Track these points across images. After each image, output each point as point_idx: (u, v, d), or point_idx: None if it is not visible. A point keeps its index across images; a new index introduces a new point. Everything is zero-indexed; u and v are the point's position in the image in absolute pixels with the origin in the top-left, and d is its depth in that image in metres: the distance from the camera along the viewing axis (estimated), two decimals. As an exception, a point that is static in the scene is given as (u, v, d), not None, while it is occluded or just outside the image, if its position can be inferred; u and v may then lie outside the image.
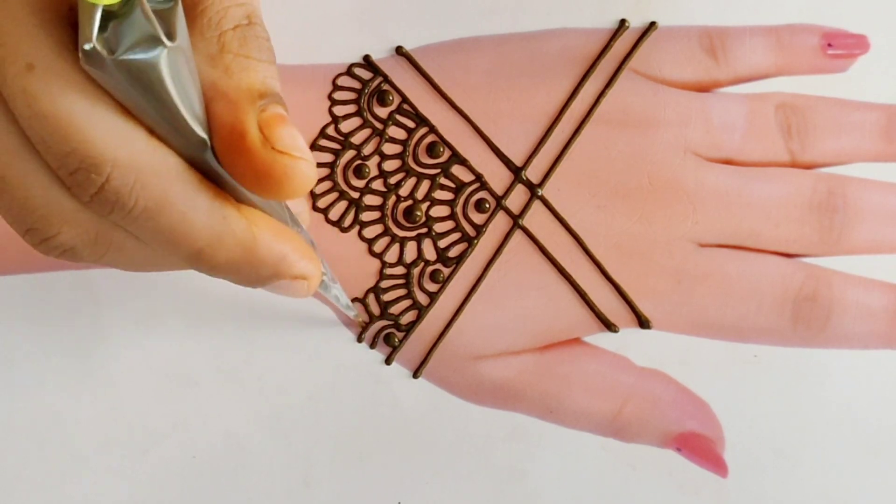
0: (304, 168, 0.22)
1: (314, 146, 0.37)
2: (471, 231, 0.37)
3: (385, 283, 0.37)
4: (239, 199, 0.24)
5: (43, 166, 0.22)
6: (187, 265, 0.24)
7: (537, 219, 0.37)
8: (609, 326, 0.37)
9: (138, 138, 0.22)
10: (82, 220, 0.23)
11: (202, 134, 0.22)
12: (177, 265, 0.25)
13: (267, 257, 0.24)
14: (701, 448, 0.37)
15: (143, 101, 0.21)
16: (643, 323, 0.37)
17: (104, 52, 0.19)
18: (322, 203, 0.37)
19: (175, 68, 0.20)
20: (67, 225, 0.23)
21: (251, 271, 0.25)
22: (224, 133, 0.22)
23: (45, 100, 0.21)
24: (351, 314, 0.35)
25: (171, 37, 0.20)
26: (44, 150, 0.21)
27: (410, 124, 0.38)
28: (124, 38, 0.19)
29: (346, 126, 0.38)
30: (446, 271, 0.37)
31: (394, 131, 0.38)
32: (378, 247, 0.37)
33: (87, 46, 0.19)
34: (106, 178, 0.21)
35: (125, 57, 0.19)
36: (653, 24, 0.38)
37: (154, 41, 0.20)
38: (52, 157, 0.21)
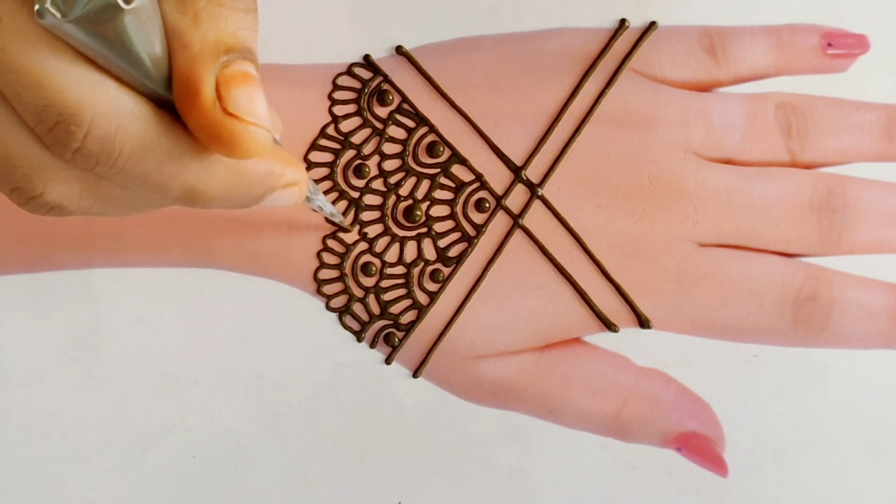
0: (255, 134, 0.21)
1: (314, 146, 0.37)
2: (471, 231, 0.37)
3: (385, 283, 0.37)
4: None
5: (22, 124, 0.22)
6: (181, 203, 0.24)
7: (537, 218, 0.37)
8: (609, 326, 0.37)
9: (110, 86, 0.21)
10: (66, 177, 0.22)
11: (163, 85, 0.22)
12: (165, 203, 0.24)
13: (257, 175, 0.24)
14: (701, 448, 0.37)
15: (105, 54, 0.21)
16: (643, 323, 0.37)
17: (56, 14, 0.19)
18: (322, 202, 0.37)
19: (133, 25, 0.20)
20: (52, 182, 0.22)
21: (245, 193, 0.24)
22: (180, 86, 0.22)
23: (14, 52, 0.20)
24: (337, 220, 0.35)
25: None
26: (21, 108, 0.21)
27: (410, 124, 0.37)
28: None
29: (346, 126, 0.37)
30: (446, 271, 0.37)
31: (394, 131, 0.37)
32: (378, 246, 0.37)
33: (37, 7, 0.19)
34: (87, 129, 0.21)
35: (78, 16, 0.19)
36: (653, 23, 0.38)
37: (110, 2, 0.19)
38: (29, 113, 0.21)
